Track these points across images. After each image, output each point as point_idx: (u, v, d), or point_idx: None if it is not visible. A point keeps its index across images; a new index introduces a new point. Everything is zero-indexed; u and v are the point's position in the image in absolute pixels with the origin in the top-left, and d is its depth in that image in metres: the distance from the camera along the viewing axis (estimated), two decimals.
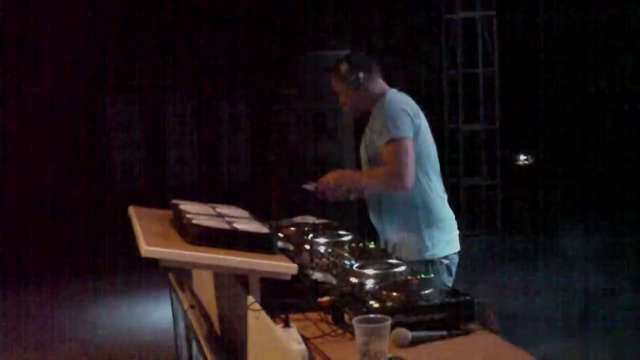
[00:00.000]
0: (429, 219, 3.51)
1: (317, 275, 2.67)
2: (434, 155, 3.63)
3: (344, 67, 3.62)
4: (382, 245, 3.42)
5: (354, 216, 6.71)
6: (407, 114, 3.48)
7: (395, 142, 3.42)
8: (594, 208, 8.86)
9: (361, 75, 3.60)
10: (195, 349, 2.50)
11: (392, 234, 3.53)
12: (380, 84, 3.67)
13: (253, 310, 2.16)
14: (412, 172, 3.41)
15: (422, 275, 2.54)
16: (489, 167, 9.67)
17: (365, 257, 2.77)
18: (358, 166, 3.88)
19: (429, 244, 3.48)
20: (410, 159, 3.42)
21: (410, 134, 3.45)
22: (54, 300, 7.08)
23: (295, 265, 2.38)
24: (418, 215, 3.50)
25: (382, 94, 3.62)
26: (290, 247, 2.98)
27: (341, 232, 3.14)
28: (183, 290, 3.06)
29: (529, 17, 9.45)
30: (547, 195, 9.36)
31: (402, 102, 3.55)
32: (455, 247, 3.59)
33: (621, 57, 8.45)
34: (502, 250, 8.49)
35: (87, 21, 9.02)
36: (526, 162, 9.37)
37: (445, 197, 3.64)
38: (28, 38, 8.82)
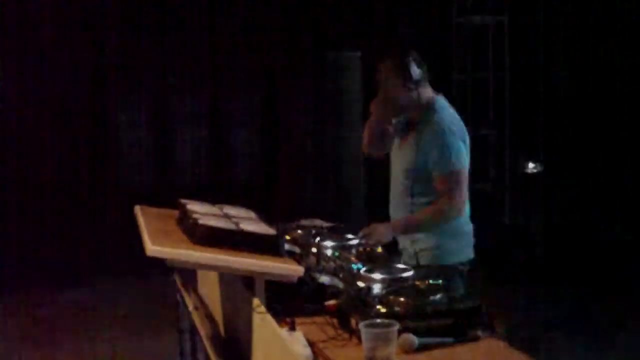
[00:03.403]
0: (448, 228, 3.43)
1: (324, 279, 2.64)
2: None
3: (400, 59, 3.36)
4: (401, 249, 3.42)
5: (362, 220, 6.69)
6: (463, 143, 3.43)
7: (456, 173, 3.37)
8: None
9: (417, 72, 3.37)
10: (199, 350, 2.49)
11: (409, 239, 3.46)
12: (429, 90, 3.45)
13: (258, 312, 2.14)
14: (465, 201, 3.42)
15: (430, 281, 2.51)
16: (497, 174, 9.61)
17: (372, 261, 2.74)
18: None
19: (445, 250, 3.41)
20: (466, 189, 3.41)
21: (467, 163, 3.43)
22: (56, 299, 7.06)
23: (302, 268, 2.36)
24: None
25: (429, 103, 3.42)
26: (297, 249, 2.96)
27: (348, 236, 3.10)
28: (188, 291, 3.05)
29: (540, 21, 9.40)
30: (555, 203, 9.29)
31: (458, 130, 3.42)
32: (470, 254, 3.52)
33: (633, 62, 8.37)
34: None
35: (91, 16, 8.95)
36: (534, 171, 9.28)
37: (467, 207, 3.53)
38: (30, 32, 8.76)
